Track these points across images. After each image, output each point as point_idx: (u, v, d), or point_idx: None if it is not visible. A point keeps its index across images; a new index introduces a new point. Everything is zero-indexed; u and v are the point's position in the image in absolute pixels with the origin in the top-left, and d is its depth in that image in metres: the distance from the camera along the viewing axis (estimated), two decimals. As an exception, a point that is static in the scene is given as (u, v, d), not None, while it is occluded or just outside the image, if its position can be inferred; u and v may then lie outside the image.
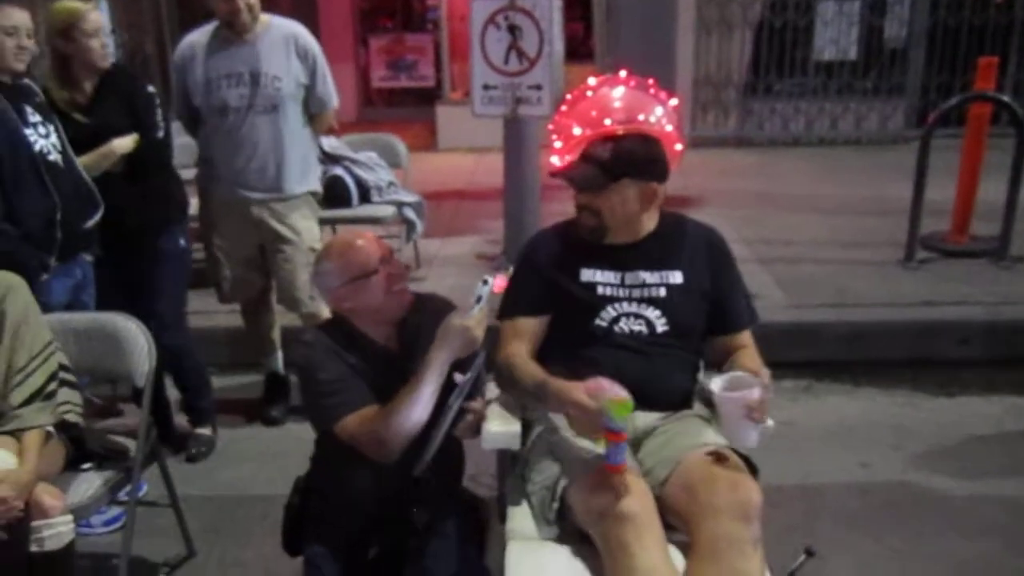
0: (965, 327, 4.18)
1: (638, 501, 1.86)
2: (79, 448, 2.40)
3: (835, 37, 8.33)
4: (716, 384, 1.96)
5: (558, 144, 2.31)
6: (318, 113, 3.55)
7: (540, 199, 4.82)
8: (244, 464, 3.44)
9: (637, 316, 2.19)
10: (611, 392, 1.89)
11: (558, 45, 4.58)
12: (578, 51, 9.09)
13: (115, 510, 2.92)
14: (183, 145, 3.67)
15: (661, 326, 2.19)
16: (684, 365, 2.25)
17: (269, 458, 3.45)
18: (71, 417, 2.35)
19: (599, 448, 1.98)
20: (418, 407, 1.94)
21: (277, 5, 4.41)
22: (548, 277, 2.23)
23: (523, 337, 2.22)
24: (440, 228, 5.65)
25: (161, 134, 3.15)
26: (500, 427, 2.11)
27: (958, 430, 3.57)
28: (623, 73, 2.33)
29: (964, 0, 8.07)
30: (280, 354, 3.84)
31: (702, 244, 2.30)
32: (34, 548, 2.09)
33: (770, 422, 1.98)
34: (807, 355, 4.15)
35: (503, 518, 2.13)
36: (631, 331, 2.18)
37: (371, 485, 2.07)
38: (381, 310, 2.09)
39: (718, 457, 1.97)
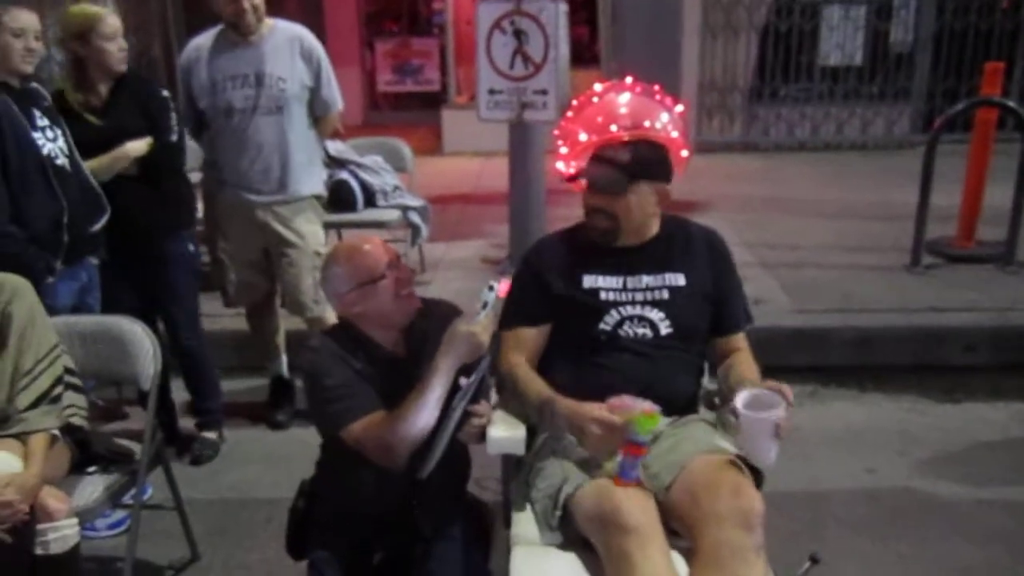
0: (971, 333, 4.17)
1: (641, 512, 1.86)
2: (84, 451, 2.40)
3: (841, 42, 8.32)
4: (739, 402, 1.93)
5: (564, 150, 2.31)
6: (322, 116, 3.56)
7: (545, 203, 4.82)
8: (249, 467, 3.45)
9: (641, 319, 2.19)
10: (637, 406, 1.90)
11: (564, 50, 4.58)
12: (583, 56, 9.10)
13: (119, 513, 2.92)
14: (188, 149, 3.68)
15: (665, 328, 2.19)
16: (689, 368, 2.25)
17: (274, 461, 3.45)
18: (76, 420, 2.35)
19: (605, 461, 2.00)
20: (424, 413, 1.94)
21: (283, 9, 4.43)
22: (549, 285, 2.23)
23: (525, 347, 2.23)
24: (445, 232, 5.65)
25: (175, 138, 3.17)
26: (505, 432, 2.11)
27: (964, 436, 3.56)
28: (629, 79, 2.33)
29: (970, 5, 8.06)
30: (285, 358, 3.85)
31: (704, 246, 2.30)
32: (39, 551, 2.09)
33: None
34: (812, 360, 4.14)
35: (508, 523, 2.13)
36: (635, 335, 2.18)
37: (376, 490, 2.06)
38: (389, 315, 2.09)
39: (723, 463, 1.96)
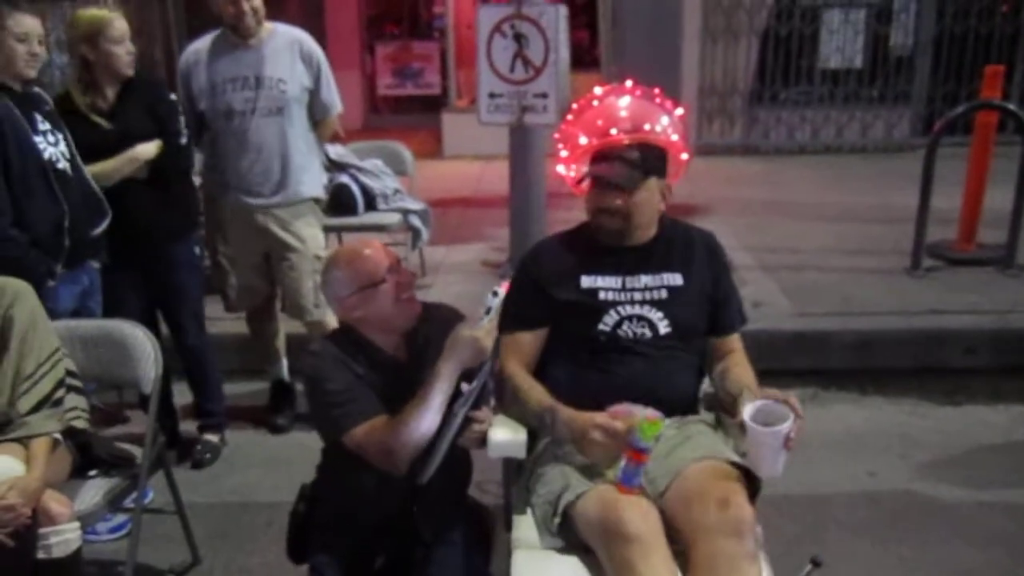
0: (972, 336, 4.17)
1: (644, 521, 1.86)
2: (86, 455, 2.40)
3: (841, 45, 8.32)
4: (747, 414, 1.93)
5: (564, 153, 2.32)
6: (322, 119, 3.57)
7: (546, 207, 4.82)
8: (250, 471, 3.45)
9: (640, 319, 2.19)
10: (639, 413, 1.91)
11: (564, 53, 4.59)
12: (584, 59, 9.10)
13: (120, 517, 2.92)
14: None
15: (664, 327, 2.19)
16: (688, 368, 2.26)
17: (274, 465, 3.45)
18: (78, 424, 2.36)
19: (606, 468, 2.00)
20: (427, 418, 1.94)
21: (284, 12, 4.43)
22: (547, 288, 2.23)
23: (523, 352, 2.24)
24: (446, 236, 5.65)
25: (184, 140, 3.19)
26: (506, 436, 2.11)
27: (965, 439, 3.56)
28: (629, 82, 2.34)
29: (970, 8, 8.06)
30: (285, 362, 3.85)
31: (702, 248, 2.32)
32: (41, 555, 2.09)
33: None
34: (813, 363, 4.14)
35: (508, 527, 2.13)
36: (635, 334, 2.19)
37: (376, 494, 2.06)
38: (389, 319, 2.09)
39: (715, 471, 1.97)
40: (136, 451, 2.55)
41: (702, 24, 8.17)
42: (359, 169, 4.84)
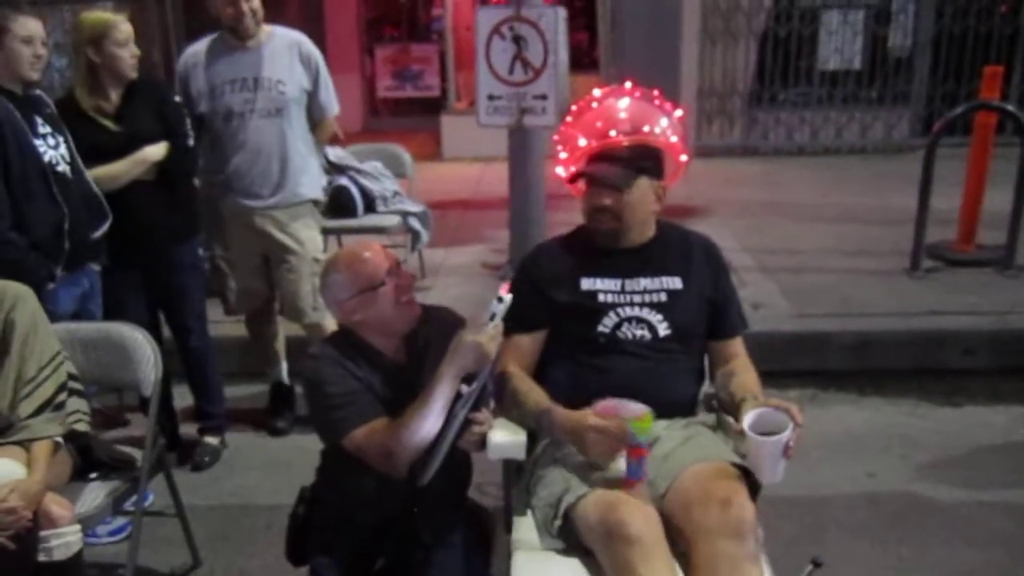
0: (971, 336, 4.17)
1: (644, 523, 1.86)
2: (86, 458, 2.40)
3: (839, 46, 8.32)
4: (747, 423, 1.94)
5: (564, 155, 2.32)
6: (320, 120, 3.59)
7: (545, 208, 4.82)
8: (250, 473, 3.45)
9: (639, 320, 2.20)
10: (626, 410, 1.91)
11: (563, 55, 4.59)
12: (583, 61, 9.11)
13: (120, 520, 2.93)
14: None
15: (663, 330, 2.20)
16: (688, 370, 2.26)
17: (274, 468, 3.45)
18: (80, 427, 2.36)
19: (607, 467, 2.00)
20: (428, 421, 1.94)
21: (284, 15, 4.44)
22: (547, 290, 2.24)
23: (522, 354, 2.24)
24: (445, 238, 5.65)
25: (191, 142, 3.20)
26: (505, 437, 2.11)
27: (964, 440, 3.56)
28: (628, 84, 2.35)
29: (969, 9, 8.07)
30: (285, 364, 3.85)
31: (701, 252, 2.32)
32: (42, 558, 2.09)
33: None
34: (812, 364, 4.15)
35: (509, 528, 2.13)
36: (634, 336, 2.19)
37: (376, 496, 2.06)
38: (389, 322, 2.09)
39: (716, 472, 1.97)
40: (136, 454, 2.55)
41: (701, 26, 8.17)
42: (358, 171, 4.85)
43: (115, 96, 3.08)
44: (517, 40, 4.42)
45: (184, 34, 7.78)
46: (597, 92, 2.36)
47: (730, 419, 2.12)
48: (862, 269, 4.95)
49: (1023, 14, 8.12)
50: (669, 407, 2.18)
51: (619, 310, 2.20)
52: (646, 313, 2.20)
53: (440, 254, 5.43)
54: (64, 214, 2.71)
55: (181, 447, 3.53)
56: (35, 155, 2.67)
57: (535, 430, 2.15)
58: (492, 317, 1.97)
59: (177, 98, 3.26)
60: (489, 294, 2.06)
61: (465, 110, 8.50)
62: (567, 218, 2.46)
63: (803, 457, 3.32)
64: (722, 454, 2.05)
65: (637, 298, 2.21)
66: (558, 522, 1.99)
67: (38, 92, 2.84)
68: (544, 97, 4.46)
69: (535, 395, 2.14)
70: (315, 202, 3.65)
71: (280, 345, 3.85)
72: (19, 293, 2.27)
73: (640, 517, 1.86)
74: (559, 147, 2.37)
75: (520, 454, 2.13)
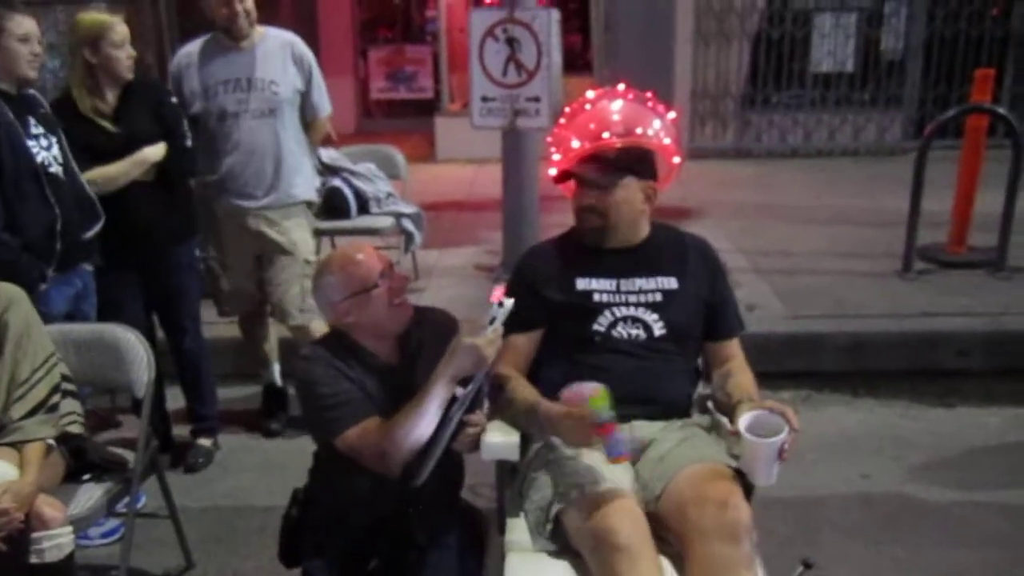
0: (964, 338, 4.18)
1: (633, 529, 1.86)
2: (79, 459, 2.40)
3: (832, 49, 8.35)
4: (742, 424, 1.94)
5: (557, 156, 2.33)
6: (312, 121, 3.59)
7: (539, 210, 4.82)
8: (243, 475, 3.44)
9: (635, 320, 2.20)
10: (585, 391, 1.92)
11: (556, 57, 4.60)
12: (576, 63, 9.11)
13: (113, 522, 2.91)
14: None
15: (659, 330, 2.20)
16: (682, 371, 2.27)
17: (268, 469, 3.44)
18: (74, 428, 2.35)
19: (597, 462, 2.00)
20: (423, 422, 1.94)
21: (278, 16, 4.44)
22: (542, 291, 2.24)
23: (516, 354, 2.24)
24: (439, 239, 5.65)
25: (190, 143, 3.20)
26: (499, 438, 2.11)
27: (957, 441, 3.57)
28: (621, 86, 2.35)
29: (960, 12, 8.10)
30: (278, 366, 3.85)
31: (697, 253, 2.33)
32: (34, 559, 2.09)
33: None
34: (806, 366, 4.16)
35: (502, 529, 2.13)
36: (629, 336, 2.19)
37: (370, 497, 2.06)
38: (382, 324, 2.08)
39: (711, 473, 1.97)
40: (129, 455, 2.54)
41: (694, 28, 8.19)
42: (352, 173, 4.84)
43: (112, 97, 3.08)
44: (511, 42, 4.43)
45: (178, 35, 7.76)
46: (590, 94, 2.36)
47: (725, 420, 2.12)
48: (855, 271, 4.96)
49: (1014, 17, 8.16)
50: (664, 407, 2.19)
51: (614, 309, 2.20)
52: (641, 313, 2.20)
53: (434, 256, 5.43)
54: (56, 215, 2.70)
55: (174, 449, 3.53)
56: (28, 156, 2.66)
57: (527, 430, 2.15)
58: (492, 321, 1.97)
59: (174, 98, 3.26)
60: (483, 296, 2.06)
61: (459, 112, 8.50)
62: (561, 219, 2.46)
63: (797, 458, 3.31)
64: (717, 455, 2.05)
65: (632, 298, 2.21)
66: (550, 526, 1.99)
67: (32, 92, 2.84)
68: (537, 99, 4.46)
69: (525, 392, 2.14)
70: (309, 204, 3.65)
71: (273, 347, 3.84)
72: (13, 295, 2.26)
73: (628, 524, 1.86)
74: (552, 149, 2.37)
75: (514, 455, 2.13)
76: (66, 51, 3.27)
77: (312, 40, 3.57)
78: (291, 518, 2.19)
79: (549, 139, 2.42)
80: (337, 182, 4.76)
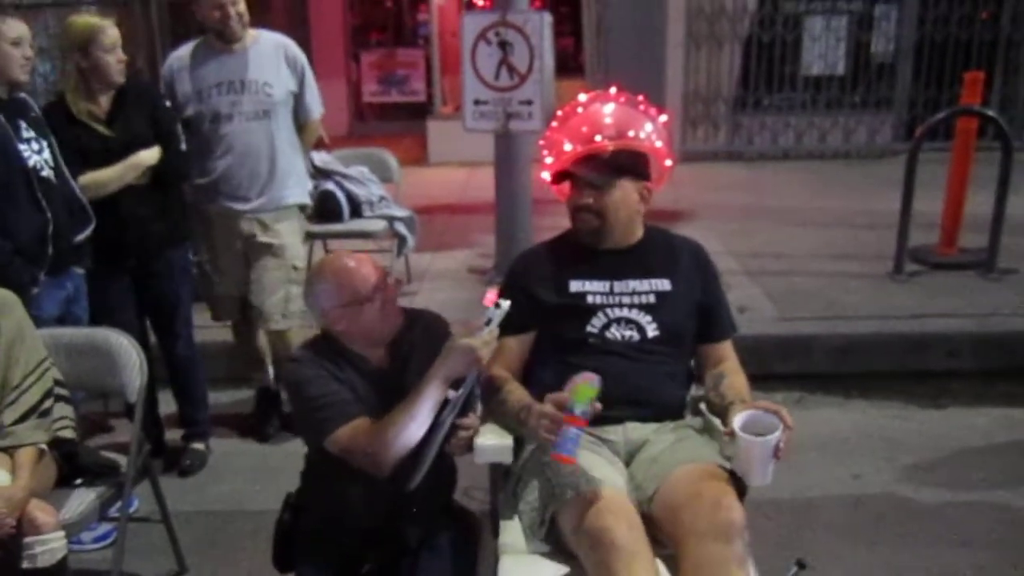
0: (954, 339, 4.20)
1: (628, 530, 1.86)
2: (71, 464, 2.39)
3: (823, 52, 8.39)
4: (737, 424, 1.95)
5: (549, 159, 2.33)
6: (304, 123, 3.59)
7: (531, 213, 4.83)
8: (236, 479, 3.43)
9: (628, 322, 2.21)
10: (578, 379, 1.90)
11: (549, 60, 4.60)
12: (569, 66, 9.13)
13: (105, 526, 2.90)
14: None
15: (652, 331, 2.21)
16: (676, 373, 2.27)
17: (261, 473, 3.44)
18: (66, 433, 2.35)
19: (591, 463, 2.00)
20: (415, 422, 1.94)
21: (270, 20, 4.44)
22: (536, 294, 2.25)
23: (509, 357, 2.25)
24: (431, 242, 5.65)
25: (184, 146, 3.20)
26: (493, 441, 2.11)
27: (949, 441, 3.58)
28: (613, 89, 2.36)
29: (950, 15, 8.13)
30: (271, 370, 3.84)
31: (690, 256, 2.34)
32: (26, 564, 2.09)
33: None
34: (798, 368, 4.17)
35: (496, 532, 2.13)
36: (623, 337, 2.20)
37: (363, 501, 2.06)
38: (373, 333, 2.08)
39: (704, 473, 1.98)
40: (121, 460, 2.54)
41: (686, 31, 8.22)
42: (344, 176, 4.84)
43: (105, 101, 3.08)
44: (503, 45, 4.44)
45: (170, 39, 7.75)
46: (583, 97, 2.37)
47: (718, 422, 2.13)
48: (847, 273, 4.97)
49: (1004, 21, 8.20)
50: (657, 408, 2.20)
51: (608, 311, 2.21)
52: (635, 314, 2.21)
53: (426, 259, 5.43)
54: (48, 219, 2.70)
55: (167, 453, 3.52)
56: (19, 160, 2.66)
57: (520, 432, 2.15)
58: (488, 322, 1.97)
59: (168, 101, 3.26)
60: (475, 299, 2.07)
61: (451, 115, 8.51)
62: (553, 223, 2.47)
63: (789, 459, 3.33)
64: (710, 456, 2.06)
65: (626, 299, 2.22)
66: (544, 527, 1.99)
67: (23, 96, 2.83)
68: (530, 102, 4.47)
69: (518, 394, 2.14)
70: (301, 207, 3.65)
71: (266, 350, 3.83)
72: (5, 300, 2.26)
73: (624, 523, 1.87)
74: (545, 152, 2.38)
75: (507, 458, 2.13)
76: (56, 55, 3.27)
77: (304, 43, 3.57)
78: (284, 523, 2.18)
79: (541, 142, 2.43)
80: (330, 185, 4.76)
